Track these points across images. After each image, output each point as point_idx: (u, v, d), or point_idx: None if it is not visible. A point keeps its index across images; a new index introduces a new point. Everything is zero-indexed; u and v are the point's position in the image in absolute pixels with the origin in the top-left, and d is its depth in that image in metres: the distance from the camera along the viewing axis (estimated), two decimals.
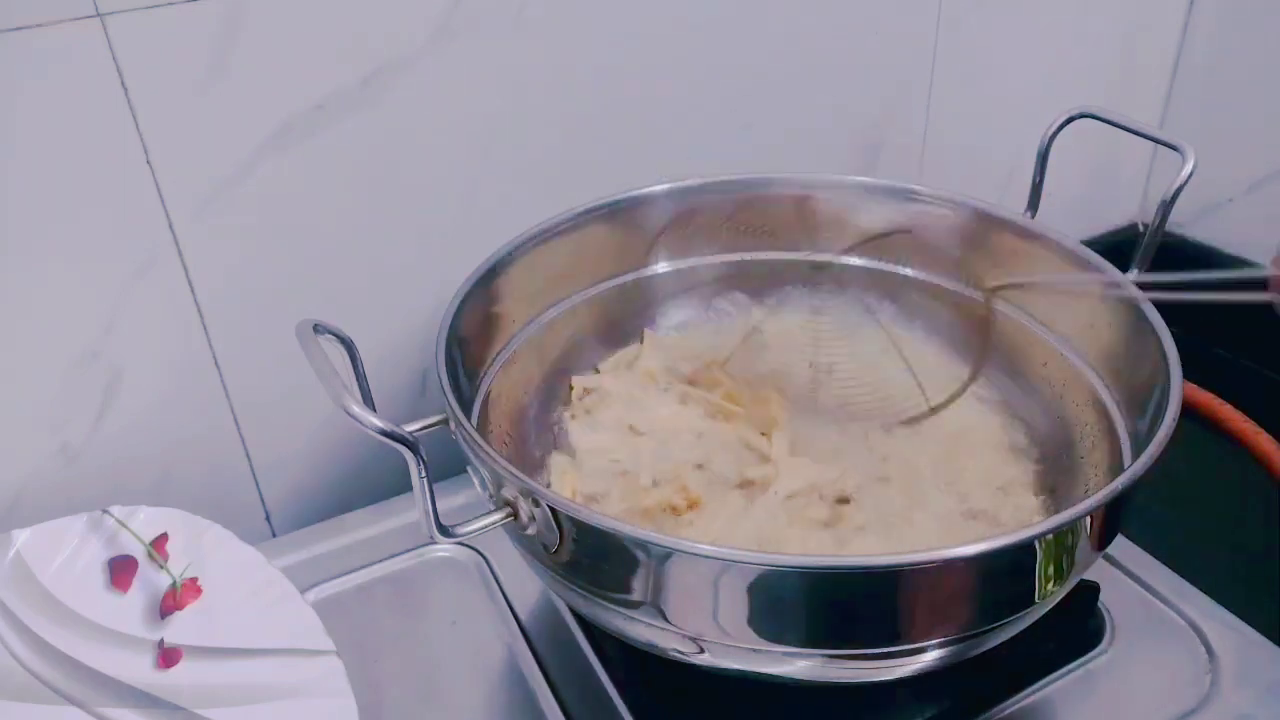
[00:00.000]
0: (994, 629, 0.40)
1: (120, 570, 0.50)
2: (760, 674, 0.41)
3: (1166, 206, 0.50)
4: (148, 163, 0.50)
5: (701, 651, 0.40)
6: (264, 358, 0.58)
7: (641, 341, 0.61)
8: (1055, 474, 0.52)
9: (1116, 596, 0.54)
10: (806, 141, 0.71)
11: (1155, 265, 0.53)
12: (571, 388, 0.58)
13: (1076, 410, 0.52)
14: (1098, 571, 0.54)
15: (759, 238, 0.61)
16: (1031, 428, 0.55)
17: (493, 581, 0.56)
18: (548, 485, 0.52)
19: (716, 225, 0.61)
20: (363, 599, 0.55)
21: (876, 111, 0.74)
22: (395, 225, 0.59)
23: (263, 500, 0.62)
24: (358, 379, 0.47)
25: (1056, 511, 0.42)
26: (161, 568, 0.50)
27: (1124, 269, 0.51)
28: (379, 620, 0.54)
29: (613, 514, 0.49)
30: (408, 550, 0.58)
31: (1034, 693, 0.49)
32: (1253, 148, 0.84)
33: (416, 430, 0.45)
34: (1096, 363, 0.51)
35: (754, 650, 0.39)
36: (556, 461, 0.55)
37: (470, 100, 0.57)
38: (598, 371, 0.59)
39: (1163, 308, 0.47)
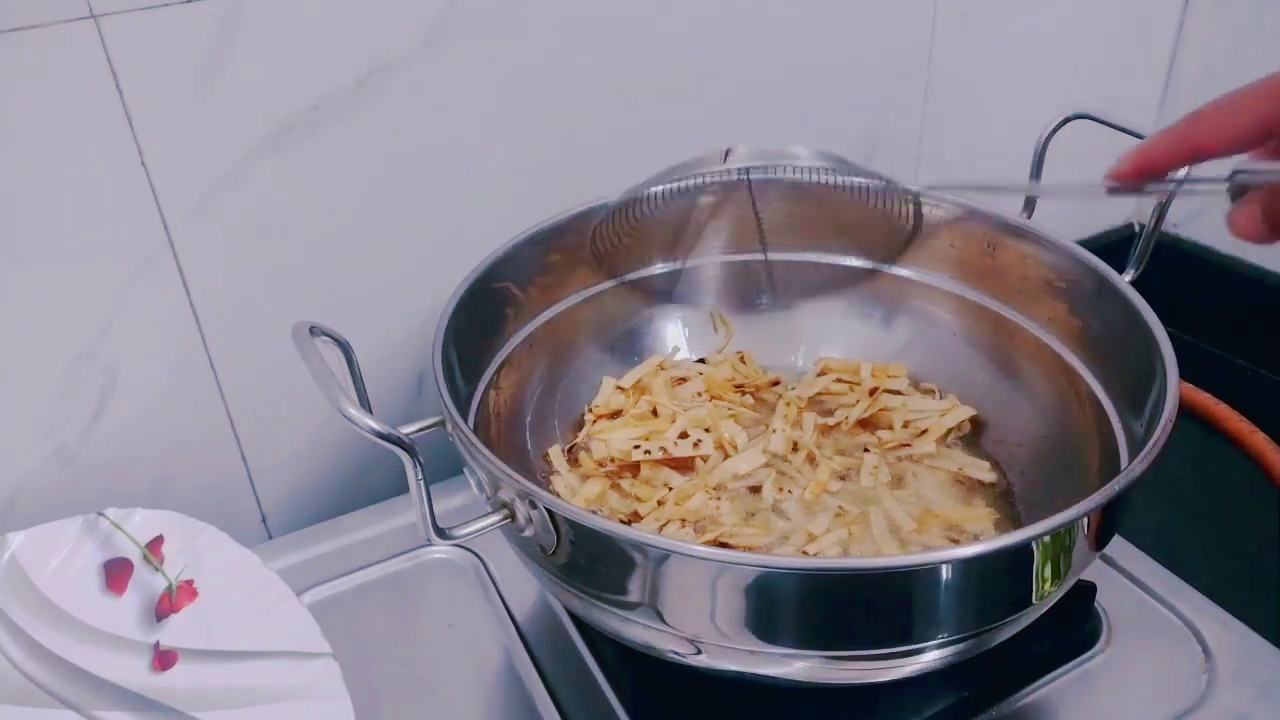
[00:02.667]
0: (992, 630, 0.40)
1: (116, 573, 0.50)
2: (757, 675, 0.41)
3: (1162, 207, 0.51)
4: (143, 164, 0.50)
5: (699, 653, 0.40)
6: (260, 360, 0.58)
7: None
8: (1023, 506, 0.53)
9: (1113, 596, 0.54)
10: (804, 141, 0.71)
11: (1151, 265, 0.53)
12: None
13: (1073, 411, 0.52)
14: (1095, 571, 0.54)
15: (756, 238, 0.61)
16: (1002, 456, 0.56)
17: (489, 583, 0.56)
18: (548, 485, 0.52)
19: (714, 225, 0.61)
20: (359, 601, 0.55)
21: (873, 111, 0.74)
22: (392, 226, 0.59)
23: (259, 502, 0.62)
24: (354, 381, 0.47)
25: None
26: (157, 570, 0.50)
27: (1120, 269, 0.51)
28: (375, 622, 0.54)
29: None
30: (404, 552, 0.58)
31: (1031, 693, 0.49)
32: None
33: (413, 432, 0.45)
34: (1093, 363, 0.51)
35: (751, 652, 0.39)
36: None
37: (466, 100, 0.57)
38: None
39: (1159, 308, 0.47)
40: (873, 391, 0.58)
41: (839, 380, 0.60)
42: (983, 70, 0.77)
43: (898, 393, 0.58)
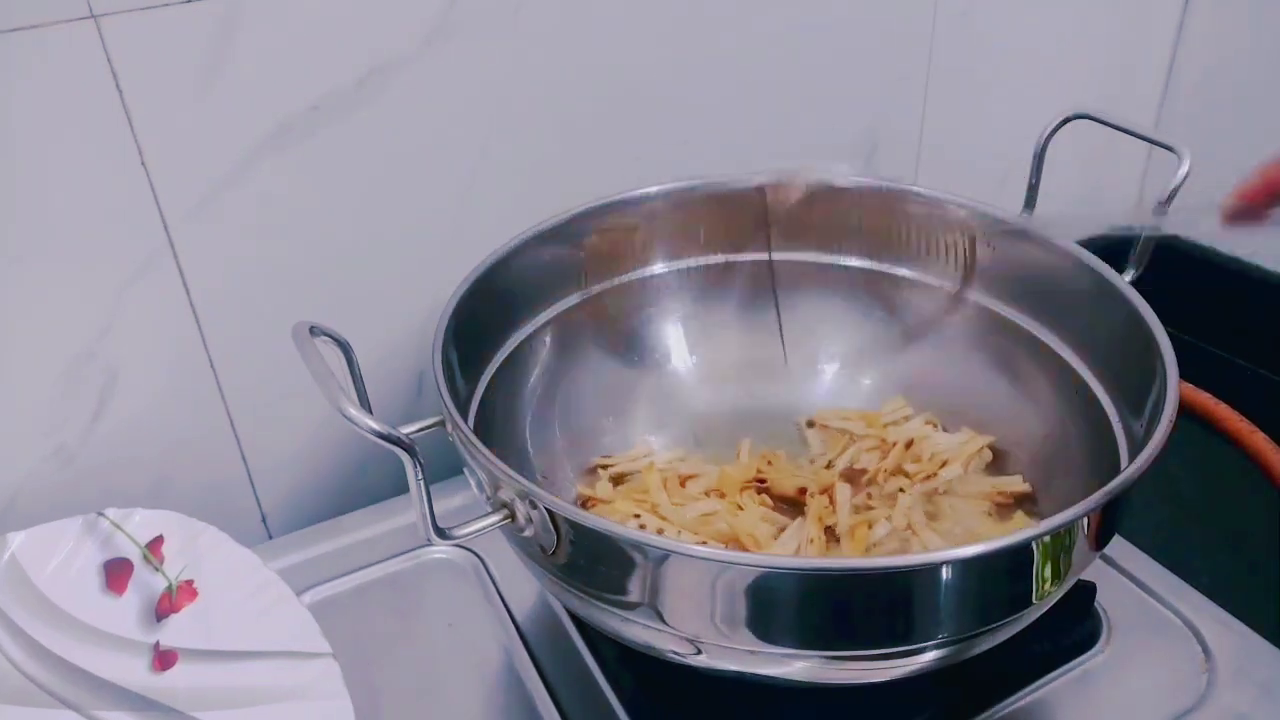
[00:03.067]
0: (992, 630, 0.40)
1: (116, 573, 0.50)
2: (758, 675, 0.41)
3: (1162, 207, 0.51)
4: (143, 164, 0.50)
5: (699, 653, 0.40)
6: (260, 360, 0.58)
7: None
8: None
9: (1113, 596, 0.54)
10: (803, 141, 0.71)
11: (1151, 265, 0.53)
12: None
13: (1073, 411, 0.52)
14: (1095, 571, 0.54)
15: (755, 238, 0.61)
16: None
17: (489, 583, 0.56)
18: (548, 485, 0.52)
19: (713, 225, 0.61)
20: (359, 601, 0.55)
21: (872, 111, 0.74)
22: (392, 226, 0.59)
23: (259, 502, 0.62)
24: (354, 381, 0.47)
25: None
26: (157, 570, 0.50)
27: (1120, 269, 0.51)
28: (375, 622, 0.54)
29: None
30: (404, 552, 0.58)
31: (1031, 693, 0.49)
32: (1248, 148, 0.83)
33: (413, 432, 0.45)
34: (1093, 363, 0.51)
35: (751, 652, 0.39)
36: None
37: (466, 100, 0.57)
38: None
39: (1159, 308, 0.47)
40: (909, 444, 0.56)
41: (852, 438, 0.58)
42: (983, 70, 0.77)
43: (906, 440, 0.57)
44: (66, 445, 0.55)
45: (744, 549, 0.51)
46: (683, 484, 0.56)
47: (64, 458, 0.55)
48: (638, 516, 0.52)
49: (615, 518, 0.52)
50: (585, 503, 0.55)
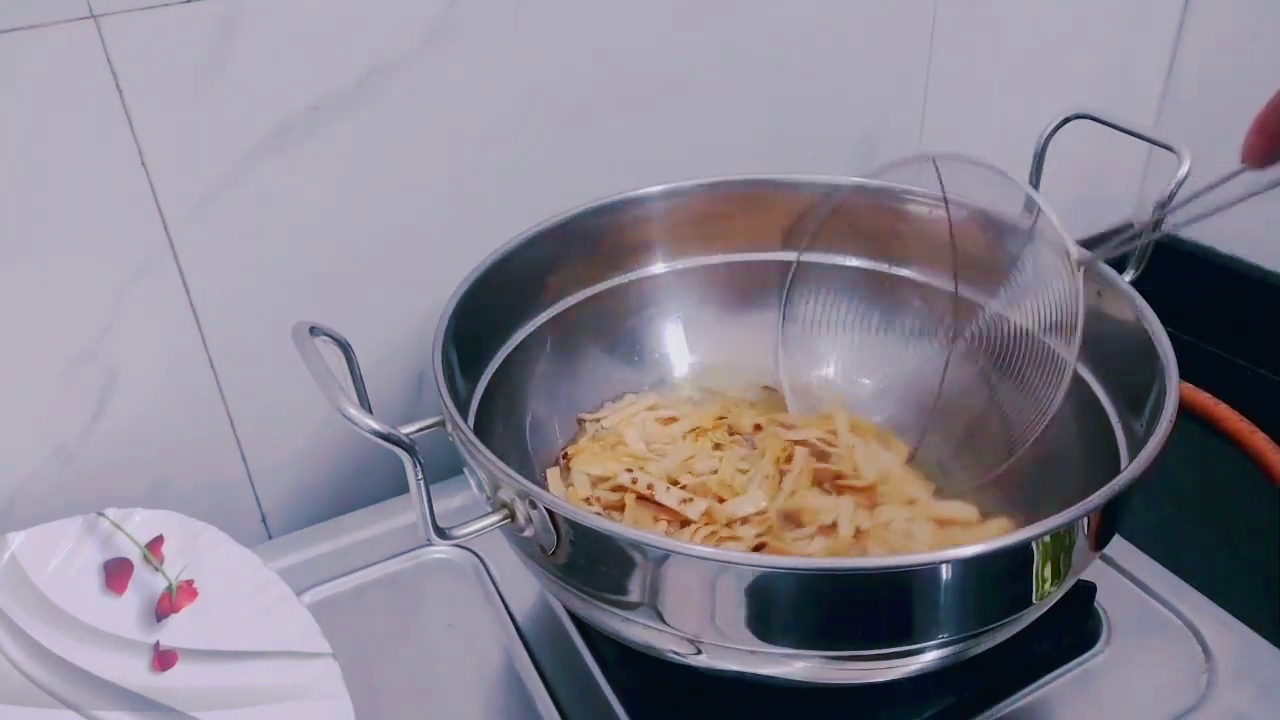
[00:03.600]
0: (992, 630, 0.40)
1: (116, 573, 0.50)
2: (758, 675, 0.41)
3: (1162, 207, 0.50)
4: (143, 164, 0.50)
5: (699, 653, 0.40)
6: (260, 360, 0.58)
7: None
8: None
9: (1113, 596, 0.54)
10: (802, 142, 0.71)
11: (1151, 265, 0.53)
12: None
13: (1072, 410, 0.52)
14: (1095, 571, 0.54)
15: (756, 239, 0.61)
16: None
17: (489, 583, 0.56)
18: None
19: (714, 226, 0.61)
20: (359, 601, 0.55)
21: (872, 112, 0.74)
22: (392, 226, 0.59)
23: (259, 502, 0.62)
24: (354, 381, 0.47)
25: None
26: (157, 570, 0.50)
27: (1120, 269, 0.51)
28: (375, 622, 0.54)
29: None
30: (404, 552, 0.58)
31: (1031, 693, 0.49)
32: None
33: (413, 432, 0.45)
34: (1093, 363, 0.51)
35: (751, 652, 0.39)
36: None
37: (466, 101, 0.57)
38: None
39: (1159, 308, 0.47)
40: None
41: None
42: (982, 70, 0.77)
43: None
44: (66, 445, 0.55)
45: (721, 499, 0.52)
46: (666, 424, 0.58)
47: (64, 458, 0.55)
48: (630, 471, 0.53)
49: (603, 468, 0.54)
50: (566, 458, 0.56)
